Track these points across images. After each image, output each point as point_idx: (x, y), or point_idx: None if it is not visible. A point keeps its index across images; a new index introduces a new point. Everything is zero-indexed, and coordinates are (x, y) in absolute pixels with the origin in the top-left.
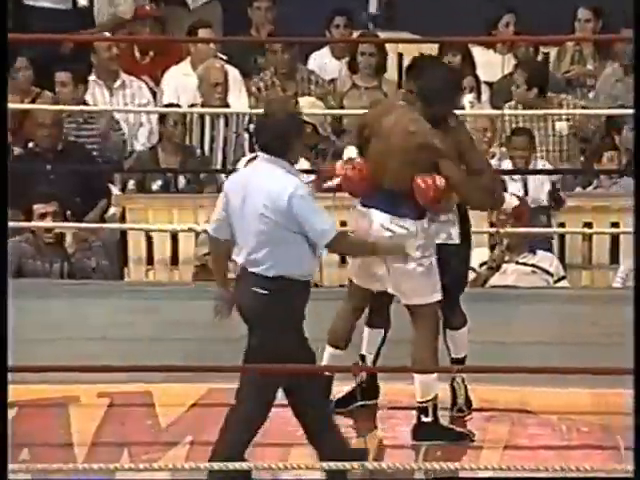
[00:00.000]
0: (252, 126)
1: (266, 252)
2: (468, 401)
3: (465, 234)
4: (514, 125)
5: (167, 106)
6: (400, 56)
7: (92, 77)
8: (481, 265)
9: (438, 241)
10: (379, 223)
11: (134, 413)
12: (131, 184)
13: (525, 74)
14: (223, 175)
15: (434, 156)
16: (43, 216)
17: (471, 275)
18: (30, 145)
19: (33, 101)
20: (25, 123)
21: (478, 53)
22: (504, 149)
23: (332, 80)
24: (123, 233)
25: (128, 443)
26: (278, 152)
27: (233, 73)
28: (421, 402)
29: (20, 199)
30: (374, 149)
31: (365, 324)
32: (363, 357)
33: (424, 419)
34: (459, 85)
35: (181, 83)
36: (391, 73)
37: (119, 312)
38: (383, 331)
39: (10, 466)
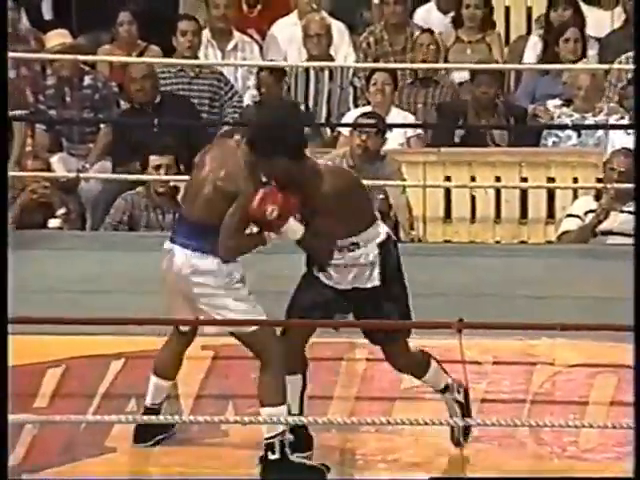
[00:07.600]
0: (356, 80)
1: None
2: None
3: (384, 275)
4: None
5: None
6: (507, 10)
7: (206, 34)
8: (586, 213)
9: (357, 285)
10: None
11: (238, 366)
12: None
13: None
14: (327, 129)
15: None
16: (158, 168)
17: (578, 223)
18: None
19: (140, 55)
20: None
21: (585, 10)
22: (612, 104)
23: (438, 34)
24: None
25: (233, 396)
26: None
27: (337, 26)
28: (267, 438)
29: (137, 152)
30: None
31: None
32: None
33: (271, 456)
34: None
35: (288, 36)
36: (498, 27)
37: None
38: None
39: (114, 417)
